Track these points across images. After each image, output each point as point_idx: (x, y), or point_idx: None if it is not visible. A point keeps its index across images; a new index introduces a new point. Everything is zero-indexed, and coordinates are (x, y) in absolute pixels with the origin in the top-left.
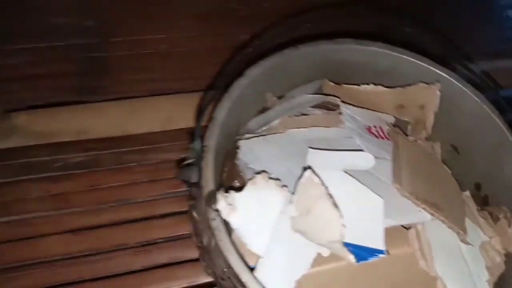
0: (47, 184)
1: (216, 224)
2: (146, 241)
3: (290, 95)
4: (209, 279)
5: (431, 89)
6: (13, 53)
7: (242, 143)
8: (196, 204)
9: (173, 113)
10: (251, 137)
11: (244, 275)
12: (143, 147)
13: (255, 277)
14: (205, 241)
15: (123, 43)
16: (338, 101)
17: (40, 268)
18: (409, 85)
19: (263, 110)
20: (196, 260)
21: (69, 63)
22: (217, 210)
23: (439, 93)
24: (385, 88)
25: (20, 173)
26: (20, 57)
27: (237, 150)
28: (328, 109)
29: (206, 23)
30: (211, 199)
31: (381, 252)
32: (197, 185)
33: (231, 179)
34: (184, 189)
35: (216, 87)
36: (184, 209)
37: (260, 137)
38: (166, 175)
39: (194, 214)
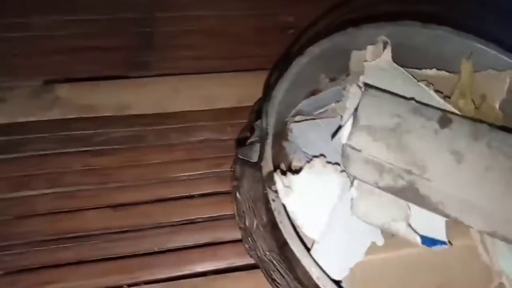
0: (88, 158)
1: (276, 205)
2: (186, 219)
3: (342, 78)
4: (250, 260)
5: (500, 76)
6: (62, 25)
7: (293, 126)
8: (239, 184)
9: (216, 92)
10: (303, 120)
11: (304, 259)
12: (185, 125)
13: (315, 262)
14: (248, 222)
15: (170, 19)
16: None
17: (79, 242)
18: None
19: (314, 92)
20: (238, 241)
21: (115, 37)
22: (276, 191)
23: (508, 80)
24: (449, 73)
25: (61, 145)
26: (68, 29)
27: (287, 132)
28: None
29: (252, 3)
30: (271, 180)
31: (443, 243)
32: (256, 165)
33: (277, 161)
34: (224, 169)
35: (277, 67)
36: (224, 189)
37: (313, 120)
38: (207, 154)
39: (238, 195)
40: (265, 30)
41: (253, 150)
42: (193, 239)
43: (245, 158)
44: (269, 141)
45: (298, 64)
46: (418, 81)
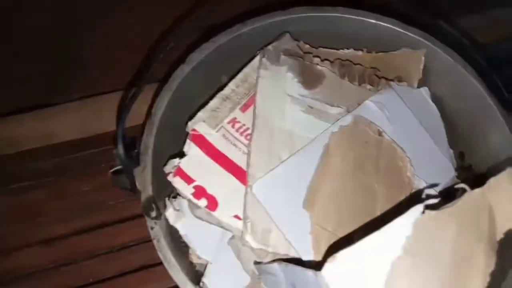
0: (12, 197)
1: (155, 233)
2: (120, 244)
3: None
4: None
5: (414, 55)
6: None
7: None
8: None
9: (141, 107)
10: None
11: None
12: (109, 147)
13: None
14: None
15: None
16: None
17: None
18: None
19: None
20: None
21: (34, 64)
22: (154, 218)
23: (423, 59)
24: (366, 53)
25: None
26: None
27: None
28: None
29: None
30: (149, 206)
31: None
32: (134, 191)
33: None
34: None
35: (136, 84)
36: None
37: None
38: None
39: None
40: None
41: (123, 178)
42: (131, 264)
43: (120, 186)
44: (148, 163)
45: (180, 74)
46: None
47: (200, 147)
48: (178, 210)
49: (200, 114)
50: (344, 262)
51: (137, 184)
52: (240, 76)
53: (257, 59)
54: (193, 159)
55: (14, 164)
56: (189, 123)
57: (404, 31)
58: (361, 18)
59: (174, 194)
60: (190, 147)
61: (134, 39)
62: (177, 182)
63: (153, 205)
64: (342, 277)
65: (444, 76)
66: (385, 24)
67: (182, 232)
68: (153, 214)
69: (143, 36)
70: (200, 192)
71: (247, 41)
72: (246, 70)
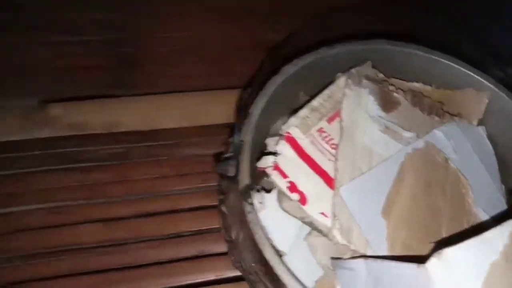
0: (78, 175)
1: (252, 217)
2: (173, 233)
3: None
4: (236, 273)
5: (478, 96)
6: (46, 46)
7: (268, 141)
8: (225, 198)
9: (200, 109)
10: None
11: (278, 268)
12: (171, 141)
13: (288, 269)
14: (233, 235)
15: (153, 39)
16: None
17: (70, 255)
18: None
19: (297, 110)
20: (224, 254)
21: (101, 58)
22: (252, 204)
23: (487, 100)
24: (434, 88)
25: (53, 163)
26: (54, 50)
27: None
28: None
29: (229, 21)
30: (247, 193)
31: None
32: (234, 179)
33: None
34: (211, 184)
35: (252, 85)
36: (211, 203)
37: None
38: (194, 169)
39: (223, 208)
40: (247, 48)
41: (229, 165)
42: (181, 253)
43: (222, 173)
44: (246, 156)
45: (274, 83)
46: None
47: (293, 148)
48: (261, 203)
49: (292, 120)
50: (447, 259)
51: (239, 172)
52: (326, 92)
53: (342, 79)
54: (287, 158)
55: (77, 145)
56: (283, 127)
57: (471, 73)
58: (434, 57)
59: (258, 187)
60: (284, 147)
61: (197, 45)
62: (275, 176)
63: (250, 192)
64: (444, 273)
65: (502, 117)
66: (456, 66)
67: (263, 223)
68: (250, 200)
69: (205, 43)
70: (293, 187)
71: (327, 64)
72: (332, 87)
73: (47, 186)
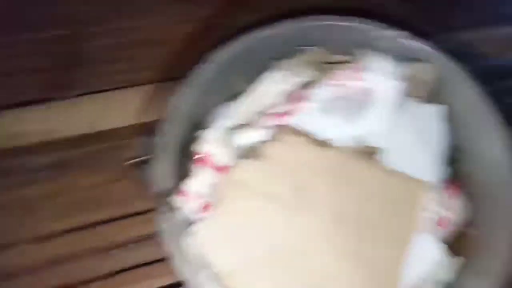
0: (12, 191)
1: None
2: (114, 243)
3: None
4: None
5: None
6: None
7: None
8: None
9: (145, 105)
10: None
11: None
12: (114, 143)
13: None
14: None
15: (95, 34)
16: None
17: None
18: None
19: (234, 96)
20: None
21: (40, 58)
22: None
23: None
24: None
25: None
26: None
27: None
28: None
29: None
30: (163, 199)
31: None
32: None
33: None
34: None
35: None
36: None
37: None
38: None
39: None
40: (203, 38)
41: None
42: (123, 262)
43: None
44: (166, 155)
45: (201, 72)
46: None
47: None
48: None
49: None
50: None
51: (155, 176)
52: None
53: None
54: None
55: (13, 158)
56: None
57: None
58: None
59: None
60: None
61: (143, 37)
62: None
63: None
64: None
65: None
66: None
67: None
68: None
69: (153, 34)
70: None
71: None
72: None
73: None
